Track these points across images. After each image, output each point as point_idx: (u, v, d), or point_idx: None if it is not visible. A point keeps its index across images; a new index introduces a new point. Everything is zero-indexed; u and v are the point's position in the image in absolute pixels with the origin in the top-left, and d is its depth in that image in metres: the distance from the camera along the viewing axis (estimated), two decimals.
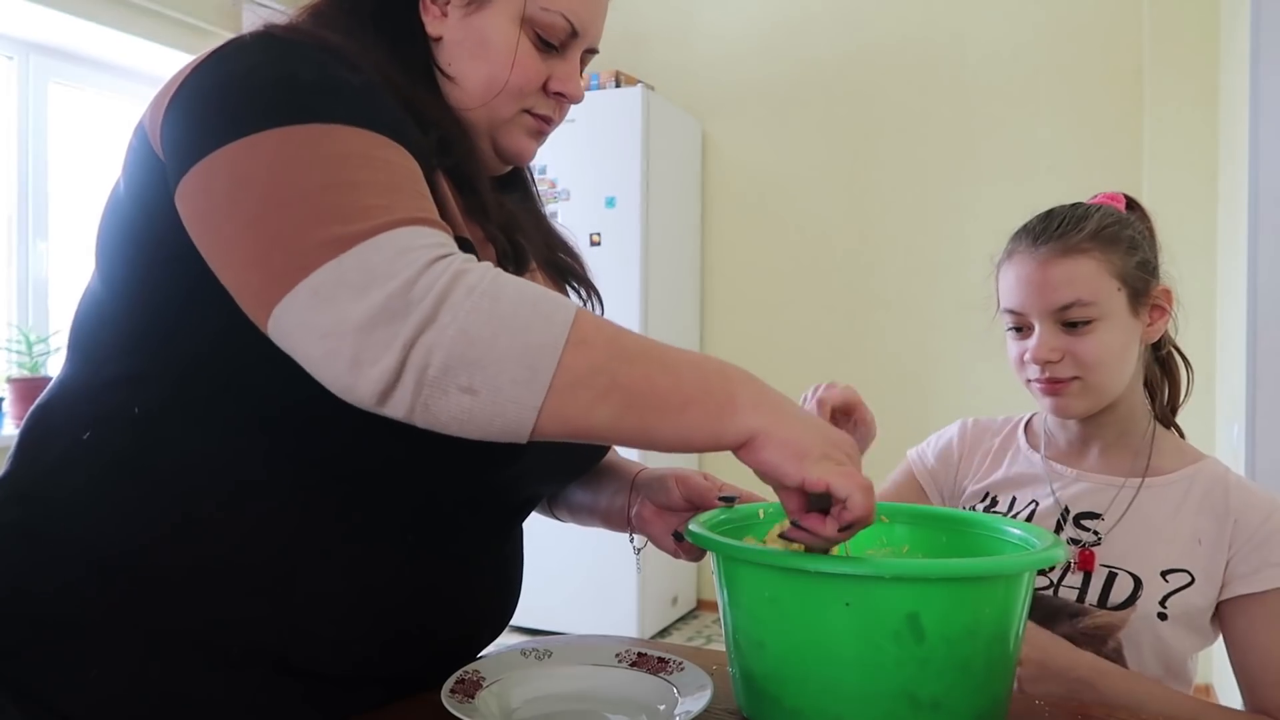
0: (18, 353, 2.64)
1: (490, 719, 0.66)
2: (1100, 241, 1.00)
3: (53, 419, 0.71)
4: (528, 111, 0.79)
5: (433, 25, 0.76)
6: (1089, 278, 0.99)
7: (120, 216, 0.70)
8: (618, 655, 0.77)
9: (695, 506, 0.85)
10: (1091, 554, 1.01)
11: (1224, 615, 0.97)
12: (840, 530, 0.61)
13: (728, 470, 0.82)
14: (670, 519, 0.86)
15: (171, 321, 0.67)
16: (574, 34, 0.78)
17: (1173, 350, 1.12)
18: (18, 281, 2.85)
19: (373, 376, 0.55)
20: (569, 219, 3.42)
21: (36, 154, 2.87)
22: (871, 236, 3.55)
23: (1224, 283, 2.69)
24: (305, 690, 0.68)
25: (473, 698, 0.69)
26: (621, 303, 3.35)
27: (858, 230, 3.57)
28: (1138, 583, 0.99)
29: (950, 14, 3.43)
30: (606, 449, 0.90)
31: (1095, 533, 1.02)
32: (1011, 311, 1.04)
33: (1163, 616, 0.97)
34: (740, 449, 0.61)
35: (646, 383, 0.59)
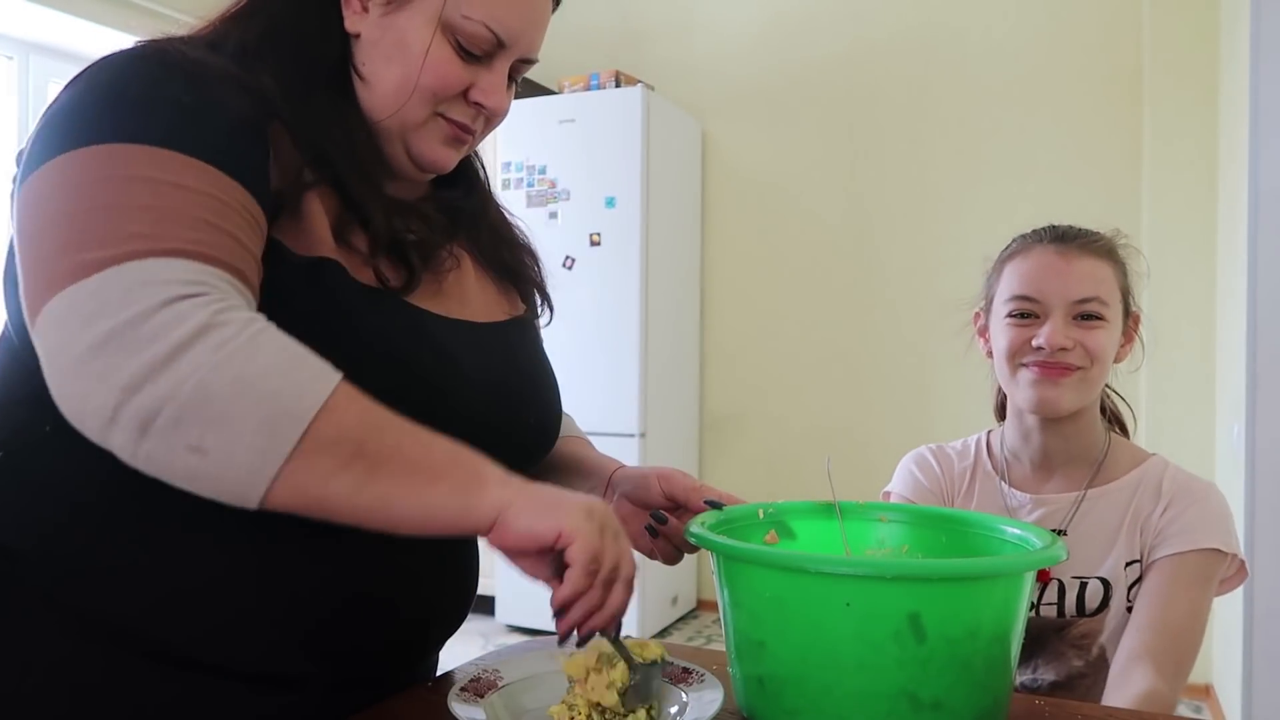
0: None
1: (492, 718, 0.66)
2: (1112, 253, 1.07)
3: None
4: (442, 116, 0.75)
5: (351, 21, 0.73)
6: (1107, 280, 1.05)
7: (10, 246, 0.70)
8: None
9: (677, 505, 0.83)
10: (1046, 569, 1.05)
11: (1144, 572, 1.04)
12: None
13: (718, 480, 0.80)
14: (647, 519, 0.83)
15: None
16: (500, 44, 0.74)
17: (1111, 393, 1.18)
18: None
19: (87, 411, 0.54)
20: (569, 219, 3.42)
21: None
22: (871, 236, 3.55)
23: (1224, 283, 2.69)
24: (245, 691, 0.67)
25: (482, 697, 0.69)
26: (621, 303, 3.35)
27: (858, 230, 3.57)
28: (1107, 586, 1.05)
29: (950, 14, 3.43)
30: (548, 445, 0.87)
31: None
32: (1024, 298, 1.06)
33: (1131, 610, 1.03)
34: (492, 529, 0.60)
35: (395, 451, 0.58)
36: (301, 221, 0.67)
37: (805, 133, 3.66)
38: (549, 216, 3.43)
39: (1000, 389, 1.20)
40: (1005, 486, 1.13)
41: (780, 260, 3.70)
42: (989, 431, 1.22)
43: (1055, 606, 1.06)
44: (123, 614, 0.64)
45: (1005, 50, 3.34)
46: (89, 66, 0.66)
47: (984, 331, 1.17)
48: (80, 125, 0.61)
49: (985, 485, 1.15)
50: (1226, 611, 2.53)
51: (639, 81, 3.49)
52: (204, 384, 0.53)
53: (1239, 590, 0.99)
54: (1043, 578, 1.05)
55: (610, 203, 3.40)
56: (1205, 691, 2.88)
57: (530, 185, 3.49)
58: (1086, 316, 1.03)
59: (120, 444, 0.54)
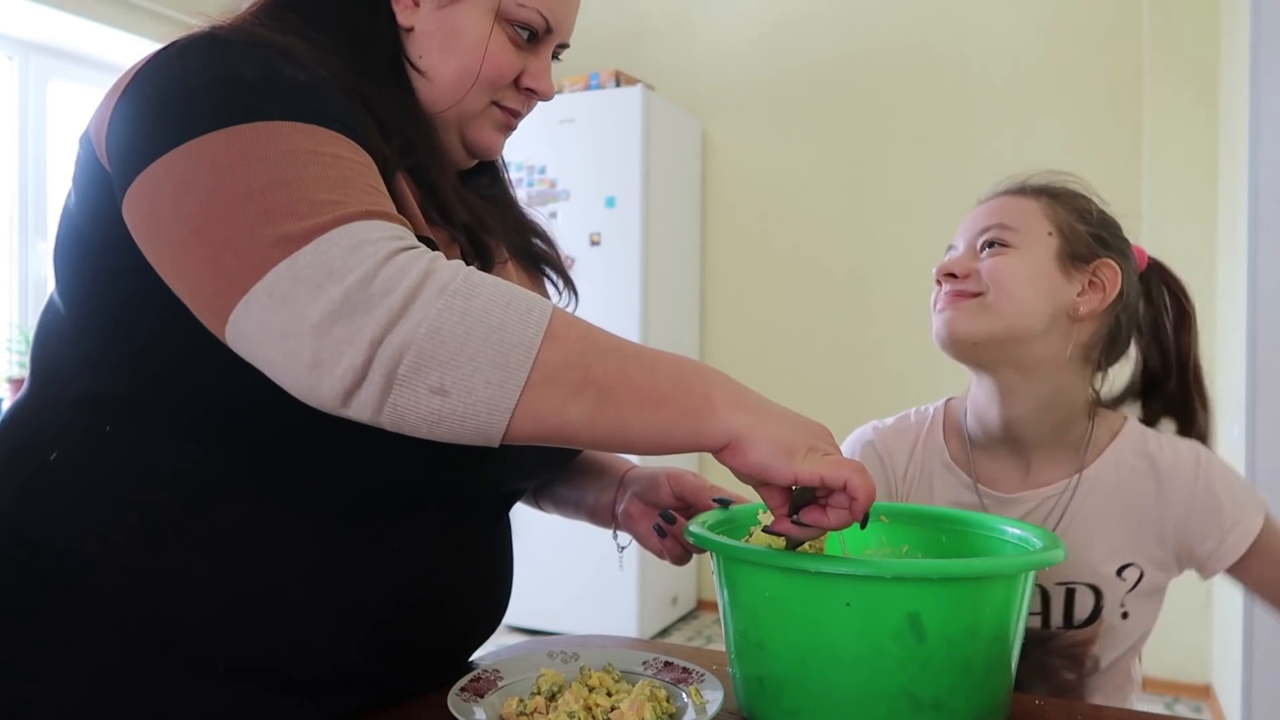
0: (18, 353, 2.64)
1: (492, 718, 0.66)
2: (1048, 193, 1.01)
3: (17, 439, 0.69)
4: (496, 104, 0.78)
5: (403, 15, 0.74)
6: (1020, 211, 0.98)
7: (72, 229, 0.68)
8: (644, 663, 0.76)
9: (686, 505, 0.84)
10: None
11: (1235, 574, 0.96)
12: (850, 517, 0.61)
13: (721, 472, 0.81)
14: (657, 518, 0.84)
15: (134, 337, 0.65)
16: (548, 29, 0.77)
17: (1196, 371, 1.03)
18: (18, 281, 2.85)
19: (335, 375, 0.54)
20: (569, 219, 3.43)
21: (36, 154, 2.86)
22: (871, 236, 3.55)
23: (1224, 283, 2.69)
24: (292, 700, 0.67)
25: (482, 697, 0.69)
26: (621, 303, 3.35)
27: (858, 230, 3.57)
28: (1098, 594, 0.95)
29: (950, 14, 3.43)
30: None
31: None
32: (950, 248, 1.03)
33: (1125, 616, 0.96)
34: (722, 451, 0.60)
35: (621, 377, 0.57)
36: (399, 200, 0.67)
37: (806, 133, 3.66)
38: (549, 216, 3.42)
39: None
40: (972, 482, 1.00)
41: (780, 260, 3.70)
42: (947, 402, 1.09)
43: (1040, 616, 0.95)
44: (180, 619, 0.64)
45: (1005, 50, 3.35)
46: (157, 62, 0.63)
47: None
48: (203, 109, 0.59)
49: (943, 478, 1.02)
50: (1226, 611, 2.53)
51: (639, 81, 3.49)
52: (436, 326, 0.54)
53: (1239, 590, 0.94)
54: None
55: (610, 203, 3.40)
56: (1205, 691, 2.88)
57: (530, 185, 3.49)
58: (988, 245, 0.97)
59: (367, 401, 0.54)
